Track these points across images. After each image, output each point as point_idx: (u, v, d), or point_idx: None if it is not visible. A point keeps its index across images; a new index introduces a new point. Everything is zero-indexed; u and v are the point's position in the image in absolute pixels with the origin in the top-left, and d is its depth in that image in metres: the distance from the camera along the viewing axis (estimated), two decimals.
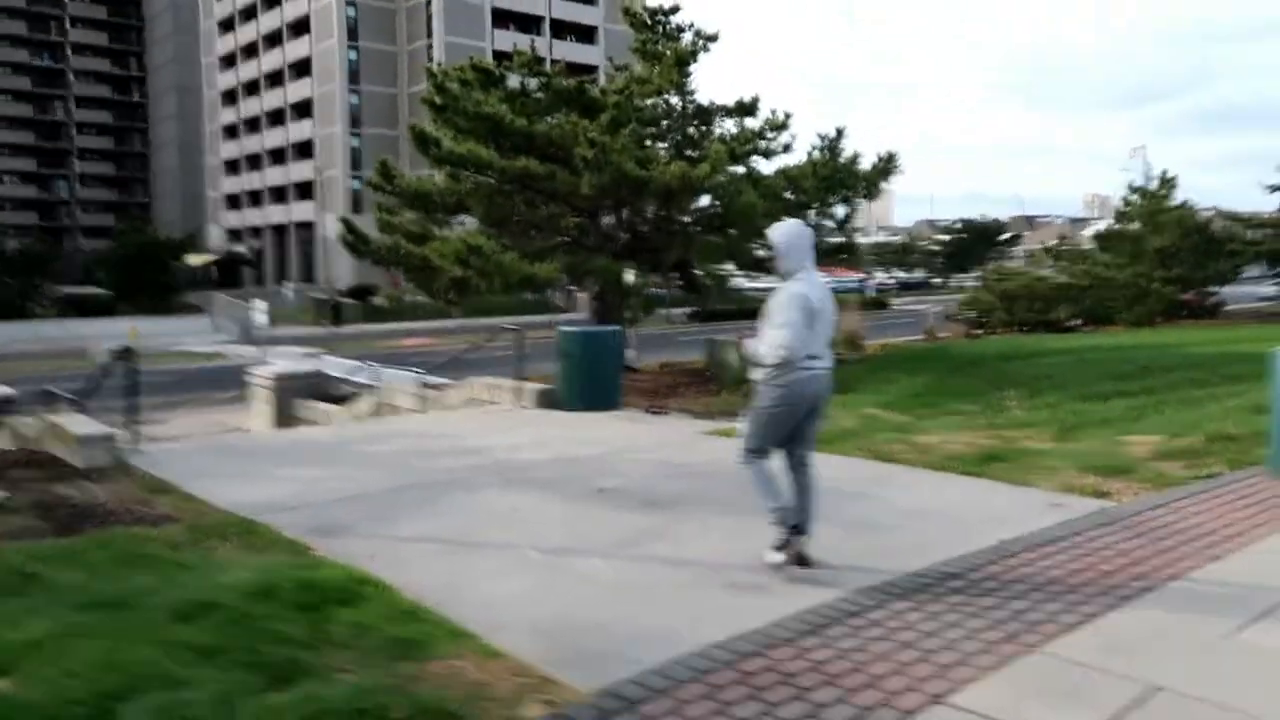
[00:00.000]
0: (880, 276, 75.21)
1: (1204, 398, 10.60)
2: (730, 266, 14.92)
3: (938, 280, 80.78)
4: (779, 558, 4.91)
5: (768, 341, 4.78)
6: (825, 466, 7.36)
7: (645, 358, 18.83)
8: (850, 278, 76.01)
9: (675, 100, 14.66)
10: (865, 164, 13.58)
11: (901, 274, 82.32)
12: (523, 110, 13.61)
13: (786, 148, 14.69)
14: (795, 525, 4.92)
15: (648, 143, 14.31)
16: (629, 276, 12.35)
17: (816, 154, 12.78)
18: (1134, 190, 30.39)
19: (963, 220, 75.77)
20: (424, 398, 13.30)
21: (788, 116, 14.21)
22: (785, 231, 5.00)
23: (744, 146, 13.37)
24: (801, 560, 4.87)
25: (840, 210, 13.60)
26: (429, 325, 39.28)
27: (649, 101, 14.72)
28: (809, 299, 4.74)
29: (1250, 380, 12.09)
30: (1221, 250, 28.70)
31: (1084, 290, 24.26)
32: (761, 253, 13.96)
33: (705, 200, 13.80)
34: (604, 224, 14.61)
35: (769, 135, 14.07)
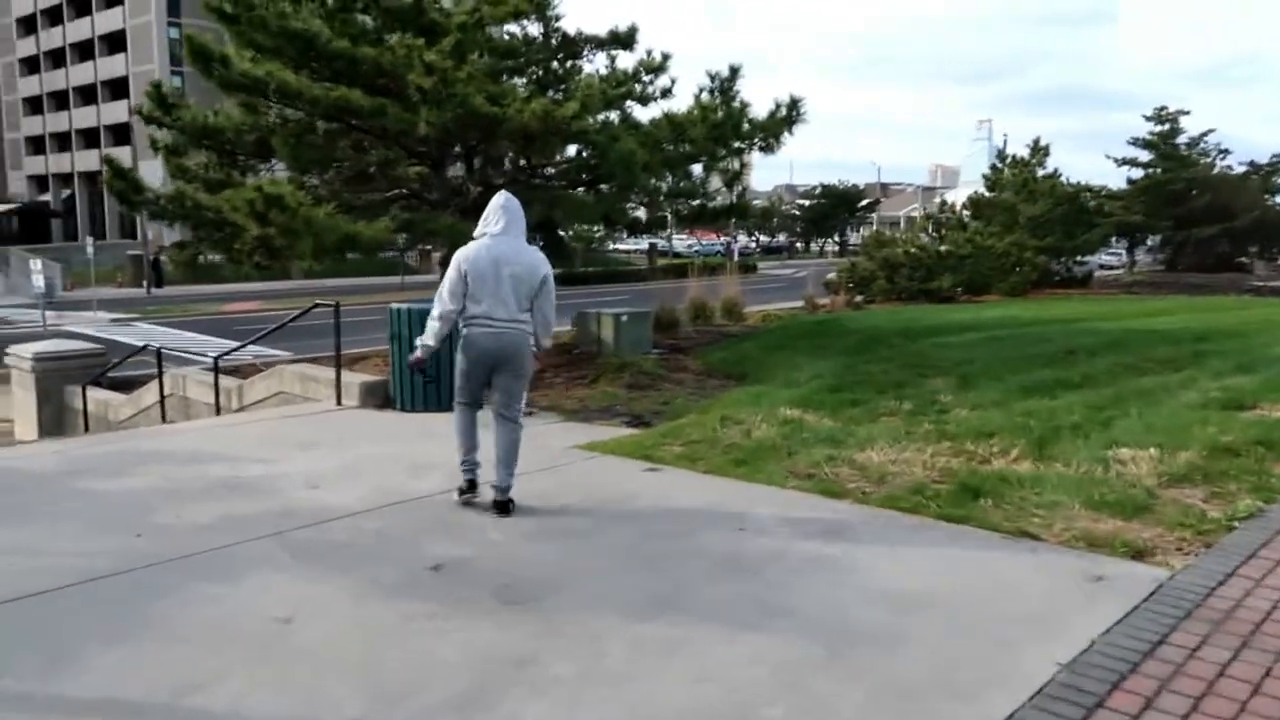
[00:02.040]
0: (743, 240, 74.58)
1: (1156, 389, 9.16)
2: (600, 228, 12.70)
3: (800, 245, 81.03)
4: (459, 499, 5.49)
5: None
6: (759, 504, 5.32)
7: None
8: (713, 241, 75.37)
9: (536, 29, 12.21)
10: (758, 112, 11.59)
11: (764, 238, 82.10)
12: (344, 30, 10.88)
13: (666, 92, 12.51)
14: (473, 480, 5.50)
15: (503, 77, 11.83)
16: None
17: (706, 97, 10.66)
18: (1003, 159, 29.88)
19: (823, 186, 75.86)
20: (226, 389, 10.55)
21: (665, 57, 12.03)
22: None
23: (616, 89, 11.08)
24: (499, 507, 5.33)
25: (735, 164, 11.56)
26: (263, 288, 35.40)
27: (505, 28, 12.20)
28: (464, 260, 5.30)
29: (1187, 365, 10.84)
30: (1091, 220, 28.55)
31: (964, 259, 23.30)
32: (640, 211, 11.79)
33: (573, 151, 11.50)
34: (450, 175, 12.07)
35: (644, 79, 11.86)
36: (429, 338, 5.48)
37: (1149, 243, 44.47)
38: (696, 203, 11.99)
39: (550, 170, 11.86)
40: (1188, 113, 40.99)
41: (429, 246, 13.62)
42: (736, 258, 49.95)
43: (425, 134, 9.87)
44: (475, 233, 5.47)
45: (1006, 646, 3.57)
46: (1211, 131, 41.34)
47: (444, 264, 11.62)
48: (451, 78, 9.20)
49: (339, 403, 8.65)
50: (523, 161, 10.47)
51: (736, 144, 11.13)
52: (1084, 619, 3.83)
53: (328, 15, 11.33)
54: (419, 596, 4.05)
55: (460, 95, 9.17)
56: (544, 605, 3.94)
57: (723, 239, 68.00)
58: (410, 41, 9.73)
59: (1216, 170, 42.90)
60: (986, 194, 27.63)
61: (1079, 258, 28.85)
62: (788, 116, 10.90)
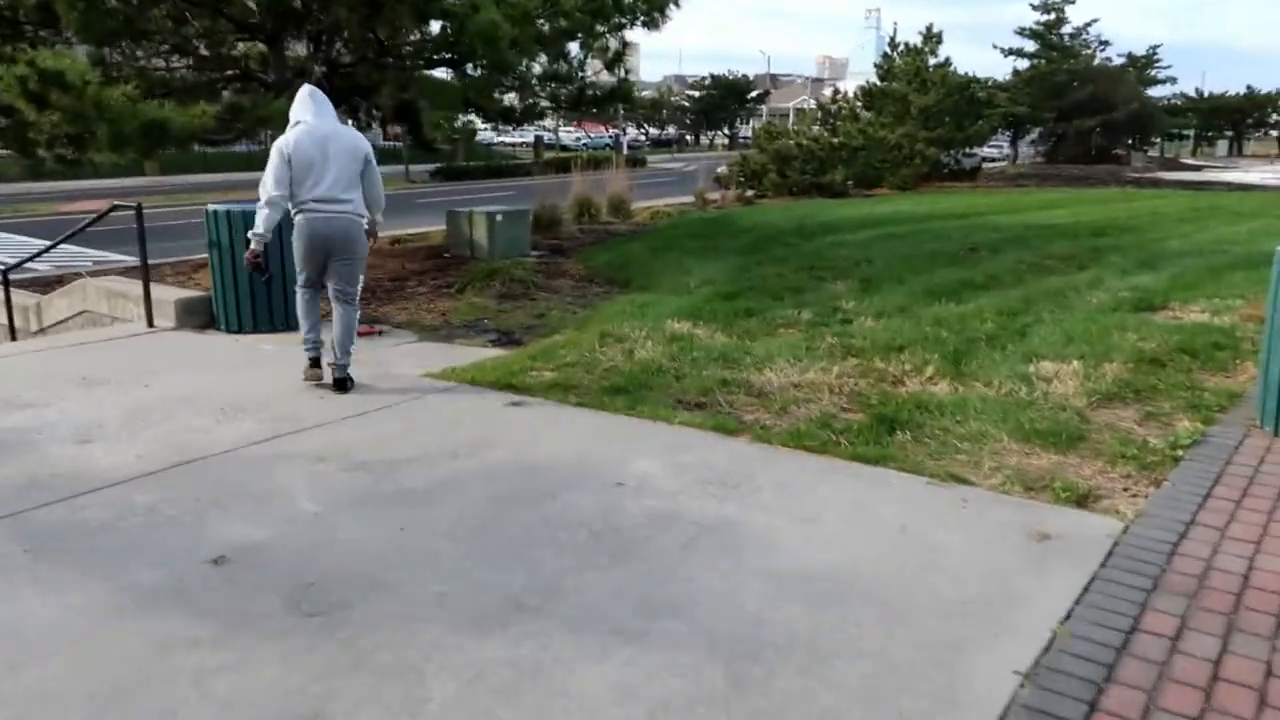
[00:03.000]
0: (632, 134, 72.46)
1: (1064, 289, 8.62)
2: (473, 117, 11.31)
3: (689, 138, 79.44)
4: (308, 382, 5.69)
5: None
6: (642, 448, 4.43)
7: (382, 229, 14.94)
8: (601, 134, 73.01)
9: None
10: None
11: (653, 131, 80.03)
12: None
13: None
14: (316, 357, 5.73)
15: None
16: None
17: None
18: (894, 47, 29.08)
19: (712, 76, 74.01)
20: (22, 308, 8.98)
21: None
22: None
23: None
24: (337, 384, 5.58)
25: (611, 43, 10.28)
26: (115, 184, 32.21)
27: None
28: (286, 145, 5.36)
29: (1089, 262, 10.38)
30: (980, 112, 28.21)
31: (856, 152, 22.62)
32: (510, 98, 10.46)
33: (437, 28, 10.01)
34: (291, 53, 10.45)
35: None
36: (260, 226, 5.43)
37: (1031, 135, 44.90)
38: (575, 87, 10.70)
39: (408, 49, 10.34)
40: (1073, 2, 40.87)
41: (260, 138, 11.94)
42: (625, 151, 48.34)
43: (253, 1, 8.28)
44: (291, 123, 5.50)
45: (952, 650, 2.79)
46: (1095, 21, 41.60)
47: None
48: None
49: (150, 324, 7.30)
50: (370, 34, 8.97)
51: (617, 18, 9.85)
52: (1037, 599, 3.09)
53: None
54: (185, 610, 3.01)
55: None
56: (353, 617, 2.96)
57: (611, 132, 65.89)
58: None
59: (1097, 62, 43.33)
60: (879, 84, 26.87)
61: (968, 149, 28.62)
62: None
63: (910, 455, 4.43)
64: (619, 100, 11.20)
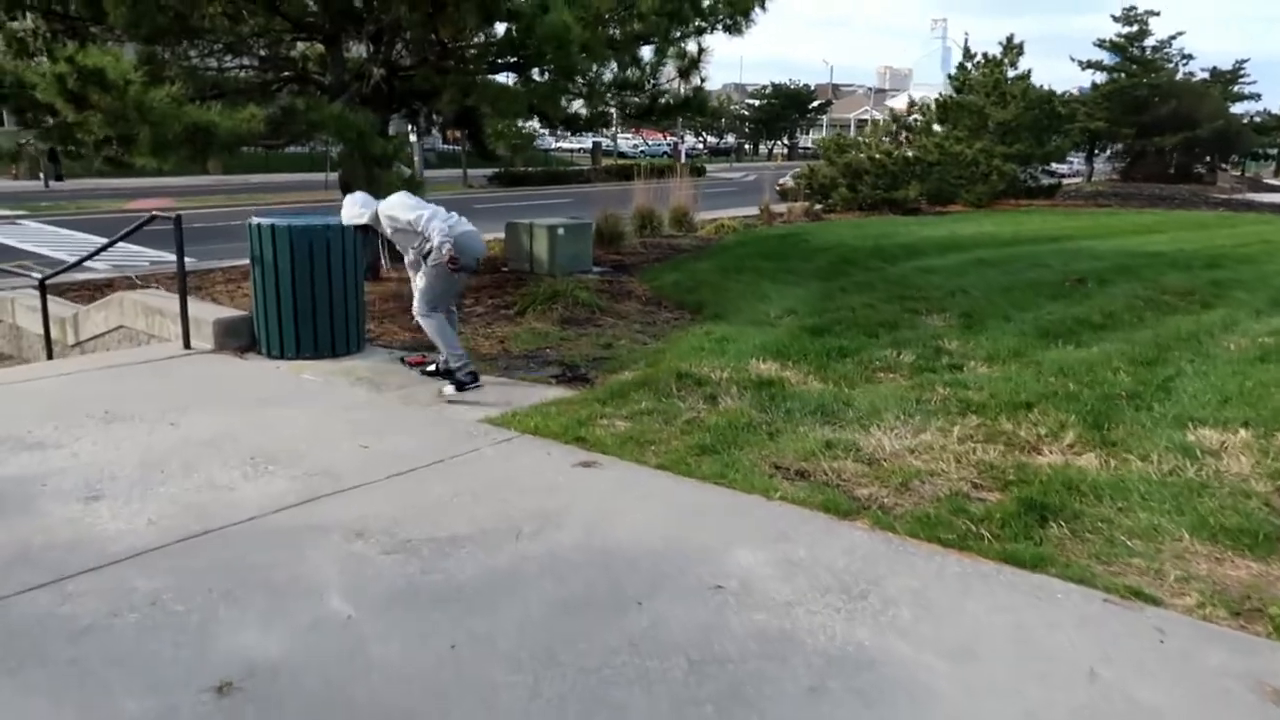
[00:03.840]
0: (690, 141, 71.64)
1: (1196, 332, 7.66)
2: (535, 124, 10.66)
3: (748, 147, 78.46)
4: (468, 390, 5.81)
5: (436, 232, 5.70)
6: (740, 533, 3.67)
7: None
8: (659, 141, 72.30)
9: None
10: None
11: (711, 139, 79.12)
12: None
13: None
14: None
15: None
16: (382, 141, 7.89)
17: None
18: (969, 58, 27.92)
19: (773, 85, 72.95)
20: (59, 319, 8.50)
21: None
22: None
23: None
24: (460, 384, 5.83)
25: (690, 48, 9.54)
26: (179, 183, 32.33)
27: None
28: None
29: (1212, 299, 9.37)
30: (1061, 127, 26.97)
31: (931, 167, 21.60)
32: (577, 104, 9.76)
33: (502, 30, 9.35)
34: (351, 54, 9.89)
35: None
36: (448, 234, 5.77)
37: (1107, 152, 43.22)
38: (646, 95, 9.98)
39: (471, 52, 9.70)
40: (1157, 14, 39.25)
41: (313, 144, 11.40)
42: (684, 159, 47.57)
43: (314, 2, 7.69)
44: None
45: None
46: (1181, 34, 39.93)
47: (340, 167, 9.60)
48: None
49: (187, 345, 6.72)
50: (432, 37, 8.33)
51: (697, 22, 9.10)
52: None
53: None
54: None
55: None
56: None
57: (669, 139, 65.14)
58: None
59: (1180, 77, 41.59)
60: (954, 95, 25.77)
61: (1046, 166, 27.38)
62: None
63: (1073, 557, 3.60)
64: (693, 110, 10.44)
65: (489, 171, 35.93)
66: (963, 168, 22.49)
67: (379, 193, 6.54)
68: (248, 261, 6.95)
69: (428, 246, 5.75)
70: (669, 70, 10.74)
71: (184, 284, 6.71)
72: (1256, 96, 45.17)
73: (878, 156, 20.91)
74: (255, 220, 6.53)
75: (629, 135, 64.87)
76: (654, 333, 7.99)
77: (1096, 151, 42.84)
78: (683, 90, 10.80)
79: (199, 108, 7.27)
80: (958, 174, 22.42)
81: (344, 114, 8.03)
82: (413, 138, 22.50)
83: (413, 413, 5.44)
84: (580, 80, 9.06)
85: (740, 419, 5.18)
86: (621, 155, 54.08)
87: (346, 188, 9.72)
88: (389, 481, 4.31)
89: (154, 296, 7.64)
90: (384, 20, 8.33)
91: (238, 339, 6.81)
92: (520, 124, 8.58)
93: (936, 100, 26.71)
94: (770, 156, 74.58)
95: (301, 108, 8.29)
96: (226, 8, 9.26)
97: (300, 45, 10.08)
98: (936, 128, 24.87)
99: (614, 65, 9.22)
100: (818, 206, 20.82)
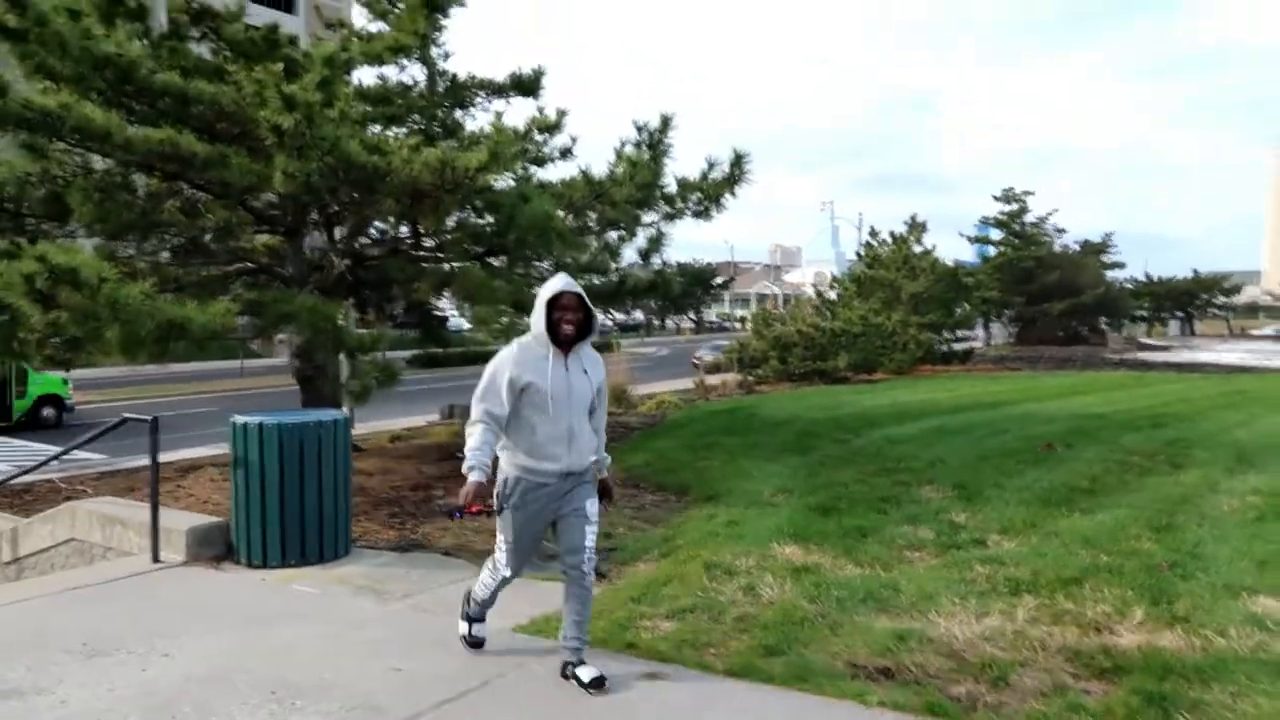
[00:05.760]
0: (600, 317, 72.91)
1: (1188, 495, 7.74)
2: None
3: (656, 322, 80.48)
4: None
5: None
6: None
7: (364, 420, 13.84)
8: None
9: (417, 71, 10.16)
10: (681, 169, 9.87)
11: (619, 315, 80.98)
12: (174, 61, 8.53)
13: (565, 153, 10.61)
14: None
15: (375, 127, 9.65)
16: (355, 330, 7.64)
17: (632, 150, 8.82)
18: (874, 235, 29.56)
19: (679, 264, 75.64)
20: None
21: (561, 115, 10.17)
22: None
23: (511, 146, 9.07)
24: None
25: (662, 229, 9.71)
26: (78, 375, 30.86)
27: (378, 70, 10.08)
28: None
29: (1180, 459, 9.59)
30: (969, 296, 28.48)
31: (857, 338, 22.34)
32: None
33: (455, 218, 9.36)
34: (310, 244, 9.73)
35: (536, 139, 9.95)
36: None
37: (1003, 318, 45.68)
38: (613, 278, 10.05)
39: (429, 242, 9.66)
40: (1032, 193, 42.62)
41: (281, 335, 11.06)
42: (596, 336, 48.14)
43: (281, 191, 7.57)
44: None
45: None
46: (1055, 212, 43.26)
47: (301, 357, 9.24)
48: (319, 116, 6.99)
49: (156, 558, 6.09)
50: (405, 225, 8.27)
51: (666, 208, 9.31)
52: None
53: (153, 44, 8.94)
54: None
55: (330, 138, 6.95)
56: None
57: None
58: (264, 73, 7.47)
59: (1058, 248, 44.83)
60: (868, 270, 27.07)
61: (959, 333, 28.68)
62: (731, 175, 9.17)
63: None
64: (659, 294, 10.55)
65: (407, 354, 35.66)
66: (884, 338, 23.32)
67: (350, 387, 6.22)
68: (183, 455, 6.47)
69: None
70: (628, 254, 10.92)
71: (156, 492, 6.16)
72: (1122, 265, 48.51)
73: (806, 329, 21.54)
74: (239, 419, 6.10)
75: None
76: (648, 518, 7.67)
77: (992, 318, 45.26)
78: (642, 273, 10.94)
79: (170, 303, 6.93)
80: (880, 343, 23.22)
81: (317, 305, 7.77)
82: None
83: (432, 625, 4.94)
84: (549, 266, 9.07)
85: (794, 613, 4.87)
86: None
87: (306, 380, 9.36)
88: (440, 711, 3.82)
89: (110, 505, 7.00)
90: (358, 212, 8.24)
91: (212, 548, 6.22)
92: (506, 312, 8.42)
93: (852, 276, 27.99)
94: (679, 331, 76.57)
95: (271, 300, 8.01)
96: (185, 205, 9.10)
97: (259, 238, 9.89)
98: (855, 302, 25.93)
99: (591, 249, 9.29)
100: (750, 379, 21.15)
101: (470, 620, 4.46)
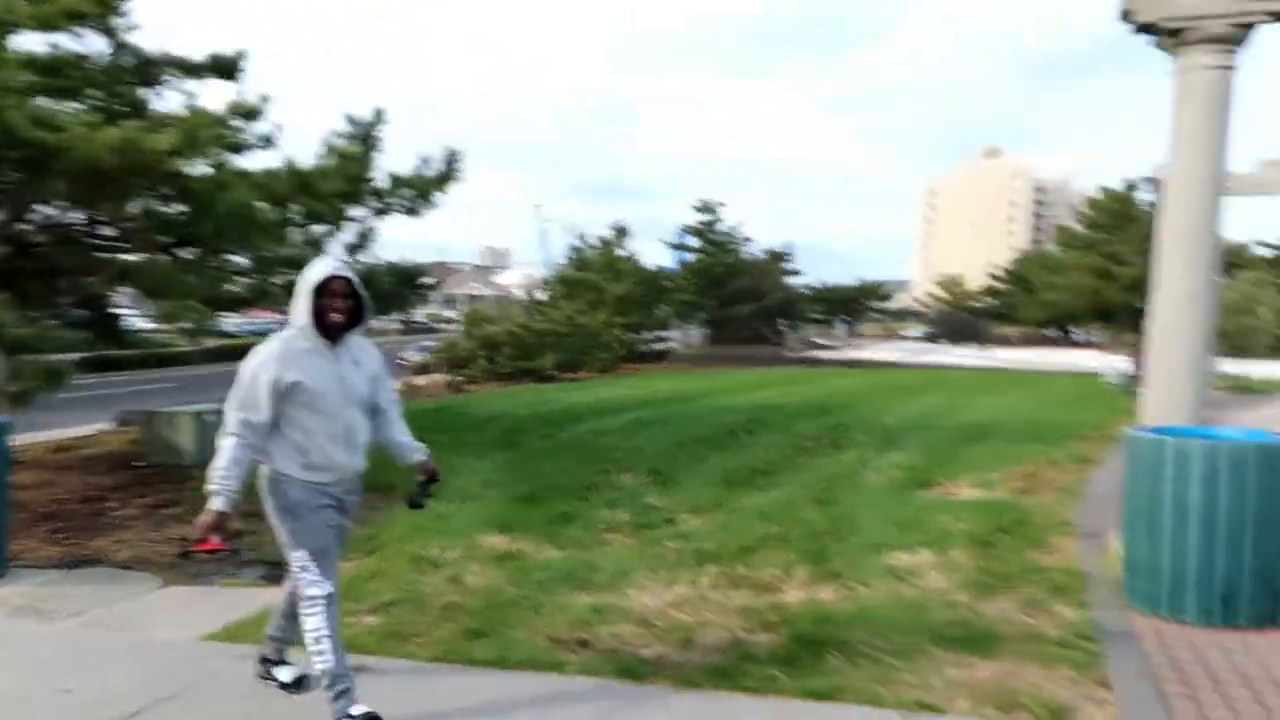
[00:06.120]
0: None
1: (846, 472, 8.81)
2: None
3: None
4: None
5: None
6: (546, 714, 3.53)
7: (25, 429, 12.26)
8: (265, 319, 69.03)
9: (100, 44, 9.17)
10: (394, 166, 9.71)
11: None
12: None
13: (268, 141, 10.05)
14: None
15: (45, 101, 8.62)
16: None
17: (343, 143, 8.52)
18: (582, 240, 30.56)
19: (388, 263, 73.58)
20: None
21: (264, 99, 9.63)
22: None
23: (208, 130, 8.50)
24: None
25: (372, 225, 9.43)
26: None
27: (46, 37, 9.00)
28: None
29: (842, 441, 10.84)
30: (668, 299, 30.14)
31: (564, 337, 22.99)
32: (245, 282, 9.19)
33: (139, 204, 8.58)
34: None
35: (233, 124, 9.37)
36: None
37: (697, 319, 48.76)
38: None
39: (109, 230, 8.79)
40: (725, 204, 45.97)
41: None
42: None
43: None
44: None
45: None
46: (744, 222, 46.78)
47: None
48: None
49: None
50: (82, 210, 7.47)
51: (376, 204, 9.11)
52: None
53: None
54: None
55: None
56: None
57: (278, 318, 62.51)
58: None
59: (746, 256, 48.62)
60: (575, 272, 27.91)
61: (658, 333, 30.30)
62: (445, 172, 9.14)
63: (858, 683, 3.93)
64: (369, 292, 10.26)
65: (75, 356, 31.83)
66: (589, 337, 24.19)
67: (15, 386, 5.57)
68: None
69: None
70: (334, 250, 10.55)
71: None
72: (800, 272, 53.50)
73: (515, 329, 21.85)
74: None
75: (234, 313, 61.25)
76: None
77: (689, 320, 48.22)
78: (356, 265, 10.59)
79: None
80: (585, 343, 24.05)
81: None
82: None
83: (106, 641, 4.58)
84: (246, 260, 8.61)
85: (497, 596, 5.04)
86: (224, 334, 50.67)
87: None
88: None
89: None
90: (28, 194, 7.35)
91: None
92: (196, 308, 7.82)
93: (561, 277, 28.71)
94: (384, 333, 74.29)
95: None
96: None
97: None
98: (563, 303, 26.64)
99: (298, 243, 8.89)
100: (459, 378, 21.12)
101: (285, 669, 3.92)
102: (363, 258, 10.36)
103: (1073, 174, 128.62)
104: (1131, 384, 15.95)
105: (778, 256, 52.53)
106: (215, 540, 3.32)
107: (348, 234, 9.58)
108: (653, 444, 10.36)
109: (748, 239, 49.88)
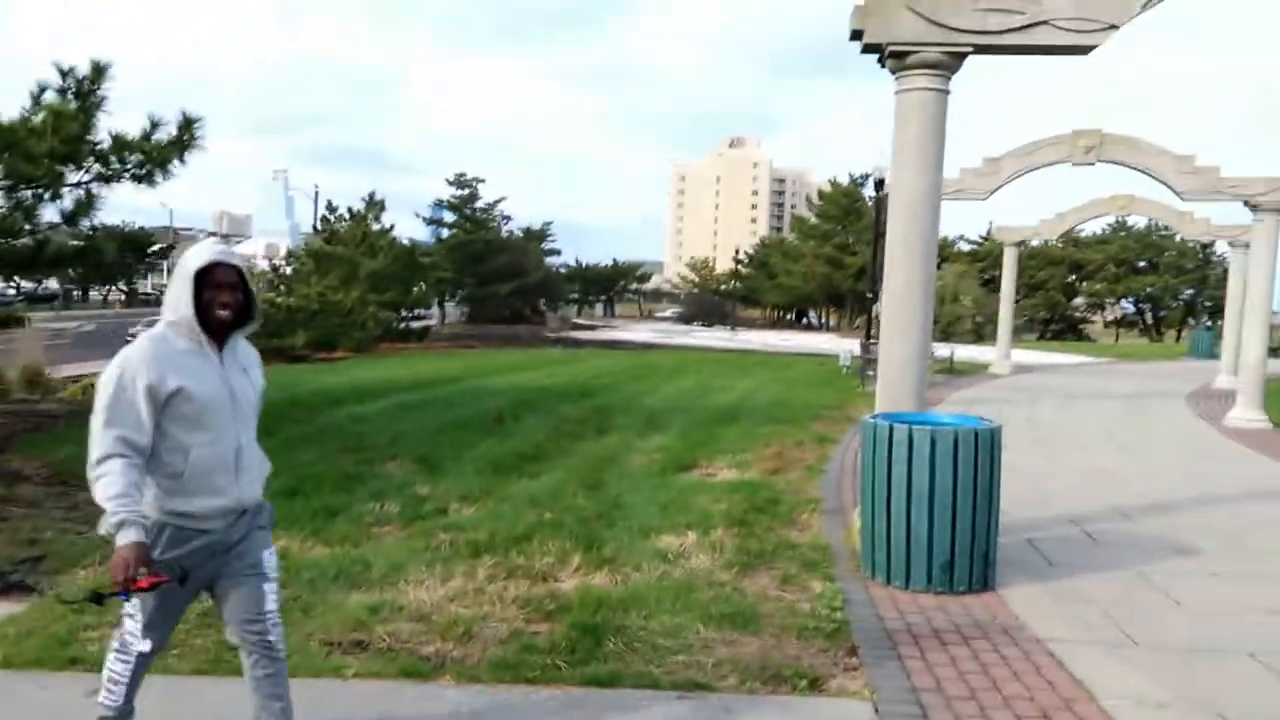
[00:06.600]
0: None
1: (611, 455, 9.07)
2: None
3: (78, 293, 69.81)
4: None
5: None
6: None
7: None
8: None
9: None
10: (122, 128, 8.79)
11: (27, 284, 68.58)
12: None
13: None
14: None
15: None
16: None
17: (54, 97, 7.57)
18: (332, 211, 29.20)
19: (110, 227, 66.42)
20: None
21: None
22: None
23: None
24: None
25: (95, 191, 8.42)
26: None
27: None
28: None
29: (605, 425, 11.11)
30: (426, 275, 29.39)
31: (315, 315, 21.89)
32: None
33: None
34: None
35: None
36: None
37: (456, 297, 47.99)
38: (30, 242, 8.62)
39: None
40: (484, 181, 45.35)
41: None
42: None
43: None
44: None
45: None
46: (504, 199, 46.43)
47: None
48: None
49: None
50: None
51: (99, 168, 8.23)
52: None
53: None
54: None
55: None
56: None
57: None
58: None
59: (505, 234, 48.36)
60: (325, 245, 26.58)
61: (417, 311, 29.54)
62: (180, 139, 8.39)
63: (635, 667, 4.11)
64: (87, 261, 9.28)
65: None
66: (342, 315, 23.18)
67: None
68: None
69: None
70: (48, 215, 9.47)
71: None
72: (558, 251, 54.04)
73: (262, 305, 20.53)
74: None
75: None
76: (84, 518, 6.82)
77: (446, 298, 47.33)
78: (68, 237, 9.58)
79: None
80: (339, 321, 23.03)
81: None
82: None
83: None
84: None
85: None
86: None
87: None
88: None
89: None
90: None
91: None
92: None
93: (309, 250, 27.23)
94: (106, 303, 67.40)
95: None
96: None
97: None
98: (313, 278, 25.30)
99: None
100: None
101: None
102: (84, 224, 9.36)
103: (810, 167, 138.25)
104: (862, 366, 17.50)
105: (537, 235, 52.72)
106: (148, 575, 2.72)
107: (67, 200, 8.60)
108: (417, 430, 10.17)
109: (507, 217, 49.71)
